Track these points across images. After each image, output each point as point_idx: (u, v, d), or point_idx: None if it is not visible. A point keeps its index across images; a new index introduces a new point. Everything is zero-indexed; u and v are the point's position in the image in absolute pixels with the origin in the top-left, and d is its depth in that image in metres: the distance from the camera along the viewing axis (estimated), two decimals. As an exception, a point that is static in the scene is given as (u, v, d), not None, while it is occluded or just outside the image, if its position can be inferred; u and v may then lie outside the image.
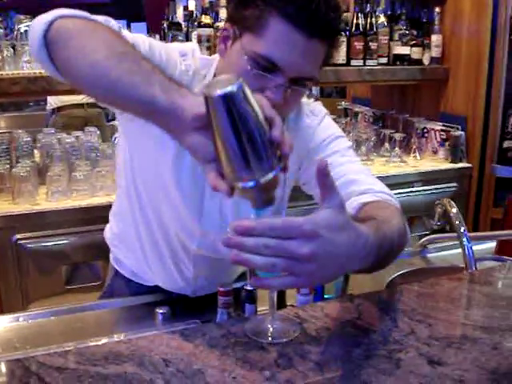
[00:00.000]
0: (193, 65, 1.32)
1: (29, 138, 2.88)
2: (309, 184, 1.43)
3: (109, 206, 1.72)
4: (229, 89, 0.80)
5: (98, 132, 3.05)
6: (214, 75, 1.31)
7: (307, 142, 1.39)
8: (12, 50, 2.61)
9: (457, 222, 1.46)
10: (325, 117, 1.45)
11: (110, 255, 1.71)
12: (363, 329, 0.96)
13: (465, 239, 1.43)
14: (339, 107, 3.89)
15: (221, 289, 1.34)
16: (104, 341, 0.94)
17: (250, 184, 0.85)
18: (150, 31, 4.70)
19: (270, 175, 0.86)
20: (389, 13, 3.24)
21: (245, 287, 1.30)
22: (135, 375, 0.83)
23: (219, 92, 0.80)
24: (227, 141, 0.83)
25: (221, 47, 1.26)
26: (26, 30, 2.68)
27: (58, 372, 0.84)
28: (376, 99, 3.89)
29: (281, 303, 1.28)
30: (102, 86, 0.99)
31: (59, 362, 0.86)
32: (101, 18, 1.11)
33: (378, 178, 2.88)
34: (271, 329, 0.96)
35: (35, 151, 2.90)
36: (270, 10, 1.12)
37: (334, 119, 3.23)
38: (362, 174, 1.37)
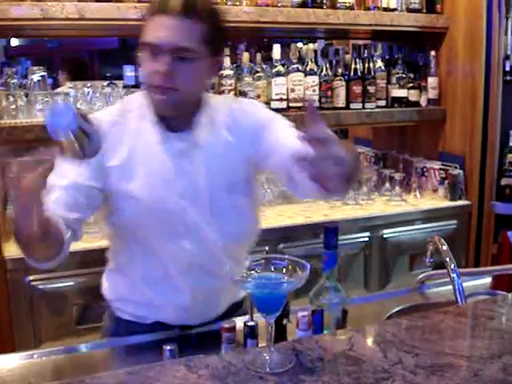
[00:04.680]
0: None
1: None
2: (265, 159, 1.57)
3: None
4: None
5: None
6: None
7: (255, 117, 1.61)
8: (25, 98, 2.74)
9: (447, 259, 1.55)
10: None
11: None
12: (354, 359, 1.04)
13: (454, 275, 1.51)
14: (341, 148, 3.99)
15: (225, 325, 1.42)
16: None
17: None
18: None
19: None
20: (386, 57, 3.37)
21: (247, 323, 1.38)
22: (144, 403, 0.91)
23: None
24: None
25: None
26: (38, 80, 2.82)
27: (73, 401, 0.92)
28: (377, 140, 3.99)
29: (282, 338, 1.36)
30: None
31: (74, 392, 0.94)
32: None
33: (379, 216, 3.00)
34: (269, 360, 1.04)
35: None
36: (149, 10, 1.46)
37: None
38: None
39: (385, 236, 3.06)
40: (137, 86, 4.34)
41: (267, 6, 2.84)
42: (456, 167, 3.29)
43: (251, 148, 1.58)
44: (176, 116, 1.53)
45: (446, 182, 3.32)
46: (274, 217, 3.01)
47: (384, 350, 1.06)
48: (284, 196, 3.30)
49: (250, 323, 1.38)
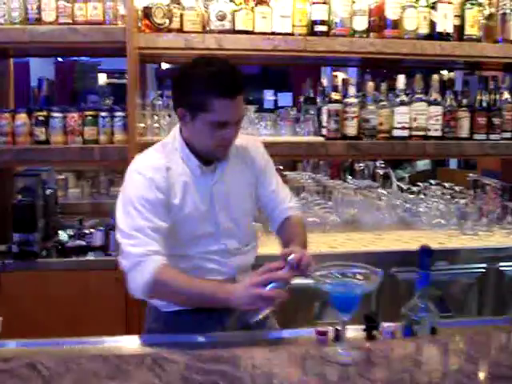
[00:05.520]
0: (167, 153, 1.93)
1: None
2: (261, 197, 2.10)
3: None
4: None
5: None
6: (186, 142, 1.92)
7: (258, 160, 2.07)
8: (168, 118, 3.06)
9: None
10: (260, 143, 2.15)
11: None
12: (416, 361, 1.15)
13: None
14: (468, 179, 4.00)
15: (318, 329, 1.58)
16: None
17: None
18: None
19: None
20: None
21: (336, 327, 1.53)
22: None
23: None
24: None
25: (182, 123, 1.90)
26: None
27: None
28: (506, 172, 3.93)
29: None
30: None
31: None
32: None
33: (497, 248, 2.94)
34: (341, 352, 1.18)
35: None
36: (210, 94, 1.77)
37: (460, 190, 3.33)
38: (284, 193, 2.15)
39: (501, 269, 3.04)
40: (274, 109, 4.57)
41: (393, 38, 2.97)
42: None
43: (255, 185, 2.07)
44: None
45: None
46: (391, 241, 3.10)
47: (446, 357, 1.17)
48: (403, 222, 3.37)
49: (339, 327, 1.52)
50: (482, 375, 1.10)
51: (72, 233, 3.01)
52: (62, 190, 3.88)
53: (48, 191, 3.00)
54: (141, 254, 1.76)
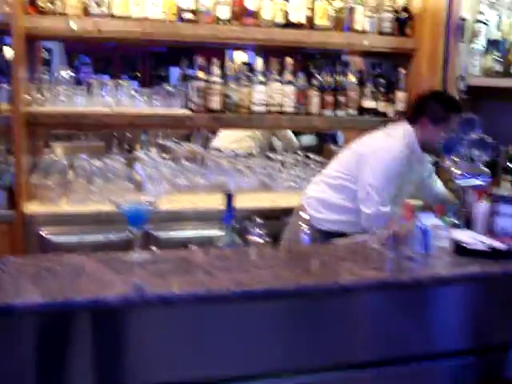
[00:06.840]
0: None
1: (65, 162, 3.72)
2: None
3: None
4: None
5: (123, 160, 3.86)
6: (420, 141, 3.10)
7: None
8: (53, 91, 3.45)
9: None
10: None
11: None
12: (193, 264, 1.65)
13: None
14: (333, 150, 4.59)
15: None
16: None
17: None
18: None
19: None
20: (362, 72, 3.91)
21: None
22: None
23: None
24: None
25: (425, 127, 3.07)
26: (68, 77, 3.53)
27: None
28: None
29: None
30: None
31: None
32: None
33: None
34: (136, 256, 1.66)
35: (70, 171, 3.69)
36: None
37: (313, 158, 3.88)
38: None
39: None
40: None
41: (252, 26, 3.46)
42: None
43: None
44: None
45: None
46: (250, 200, 3.59)
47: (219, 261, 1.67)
48: (264, 185, 3.89)
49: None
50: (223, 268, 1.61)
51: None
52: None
53: None
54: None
